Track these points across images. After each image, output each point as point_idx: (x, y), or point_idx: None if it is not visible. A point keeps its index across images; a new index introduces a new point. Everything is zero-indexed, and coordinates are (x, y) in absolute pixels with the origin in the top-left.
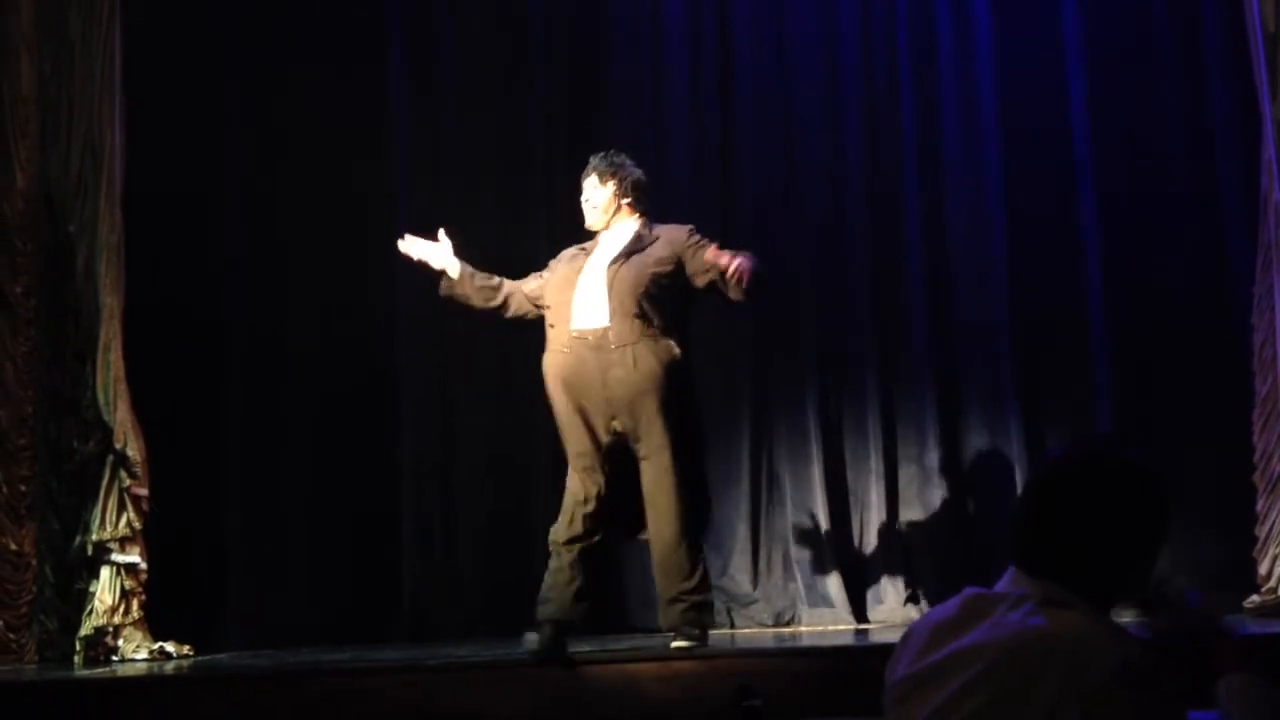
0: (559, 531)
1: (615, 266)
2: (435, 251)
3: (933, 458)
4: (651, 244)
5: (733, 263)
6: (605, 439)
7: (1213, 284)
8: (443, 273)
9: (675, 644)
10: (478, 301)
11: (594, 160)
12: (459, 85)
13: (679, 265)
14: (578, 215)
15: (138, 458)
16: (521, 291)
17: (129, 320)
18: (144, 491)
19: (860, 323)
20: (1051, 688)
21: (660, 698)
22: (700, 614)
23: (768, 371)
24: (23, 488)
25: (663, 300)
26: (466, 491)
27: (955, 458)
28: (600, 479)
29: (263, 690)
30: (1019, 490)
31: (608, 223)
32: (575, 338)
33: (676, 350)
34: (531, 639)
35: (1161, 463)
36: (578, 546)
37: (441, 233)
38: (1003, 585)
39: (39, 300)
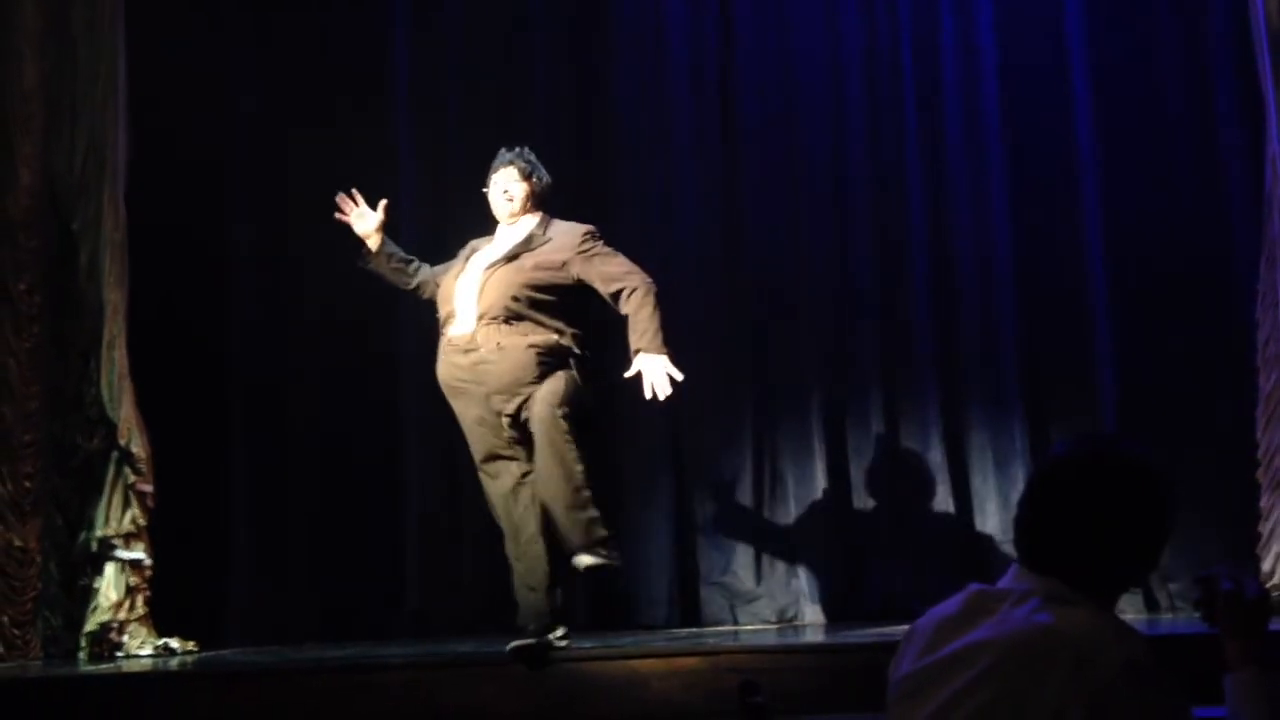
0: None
1: (491, 270)
2: (362, 220)
3: (936, 454)
4: (542, 245)
5: (654, 389)
6: (505, 434)
7: (1217, 280)
8: (362, 243)
9: (585, 562)
10: (391, 279)
11: (512, 155)
12: (462, 88)
13: (565, 269)
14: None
15: (142, 454)
16: (434, 279)
17: (133, 316)
18: (148, 488)
19: (863, 319)
20: (1057, 685)
21: (663, 694)
22: (608, 537)
23: (770, 368)
24: (27, 484)
25: (539, 302)
26: (469, 488)
27: (958, 454)
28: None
29: (266, 686)
30: (1022, 487)
31: (515, 219)
32: (449, 343)
33: (556, 338)
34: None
35: (1165, 459)
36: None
37: (381, 205)
38: (1006, 582)
39: (42, 297)
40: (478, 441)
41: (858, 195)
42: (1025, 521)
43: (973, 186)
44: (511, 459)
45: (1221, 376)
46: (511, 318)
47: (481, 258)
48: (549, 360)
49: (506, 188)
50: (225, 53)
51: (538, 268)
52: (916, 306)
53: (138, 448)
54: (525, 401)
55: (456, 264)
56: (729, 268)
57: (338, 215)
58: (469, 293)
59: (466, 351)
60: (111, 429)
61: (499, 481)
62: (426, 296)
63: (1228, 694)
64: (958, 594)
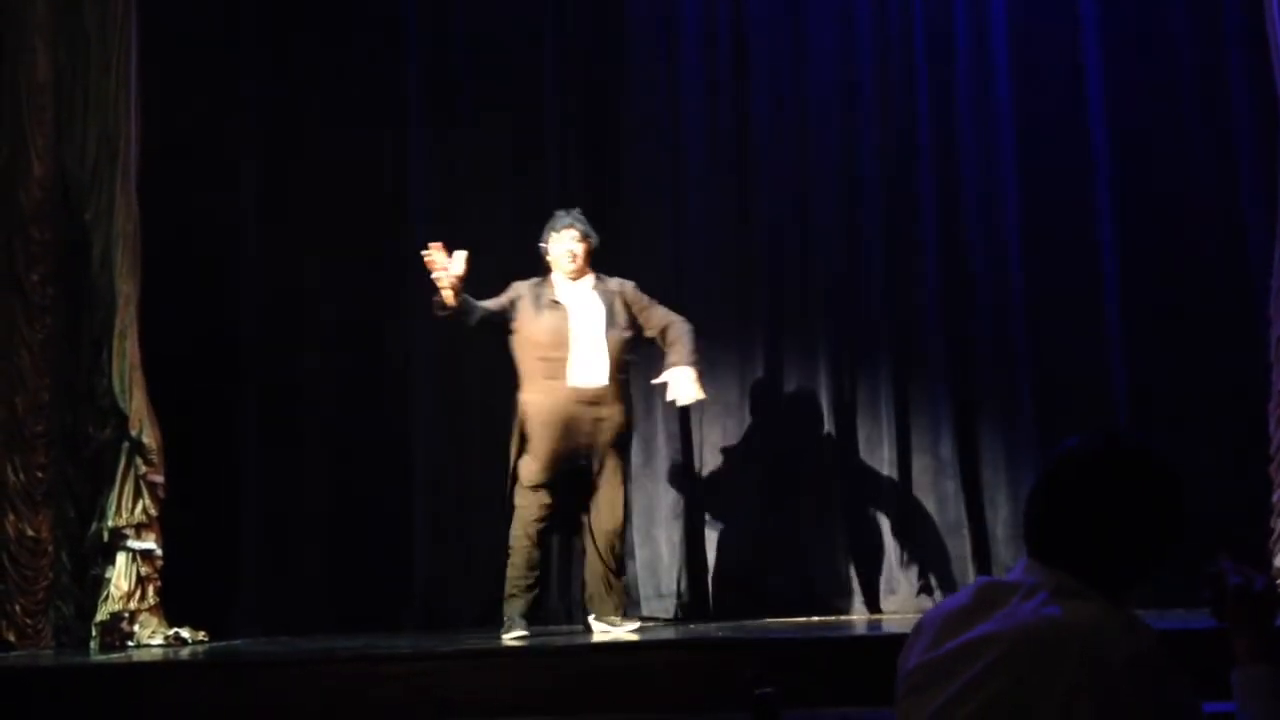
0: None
1: (611, 334)
2: (449, 273)
3: (946, 448)
4: (619, 309)
5: (678, 395)
6: (563, 469)
7: (1231, 276)
8: (440, 296)
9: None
10: (456, 319)
11: (570, 217)
12: (474, 84)
13: (634, 325)
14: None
15: (153, 444)
16: (487, 313)
17: (145, 308)
18: (160, 478)
19: (874, 314)
20: (1066, 678)
21: (672, 685)
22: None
23: (781, 363)
24: (39, 474)
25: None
26: (478, 481)
27: (969, 448)
28: (549, 499)
29: (277, 676)
30: (1032, 481)
31: (579, 276)
32: (573, 390)
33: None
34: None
35: (1178, 455)
36: (537, 551)
37: (461, 256)
38: (1016, 575)
39: (55, 288)
40: (541, 472)
41: (871, 190)
42: (1035, 514)
43: (984, 182)
44: (554, 491)
45: (1235, 372)
46: (621, 373)
47: (584, 317)
48: (630, 422)
49: (570, 248)
50: (240, 47)
51: (628, 328)
52: (928, 301)
53: (149, 438)
54: (603, 456)
55: (528, 306)
56: (741, 268)
57: (433, 270)
58: (595, 351)
59: (593, 404)
60: (123, 420)
61: (537, 503)
62: (474, 328)
63: (1236, 689)
64: (967, 587)
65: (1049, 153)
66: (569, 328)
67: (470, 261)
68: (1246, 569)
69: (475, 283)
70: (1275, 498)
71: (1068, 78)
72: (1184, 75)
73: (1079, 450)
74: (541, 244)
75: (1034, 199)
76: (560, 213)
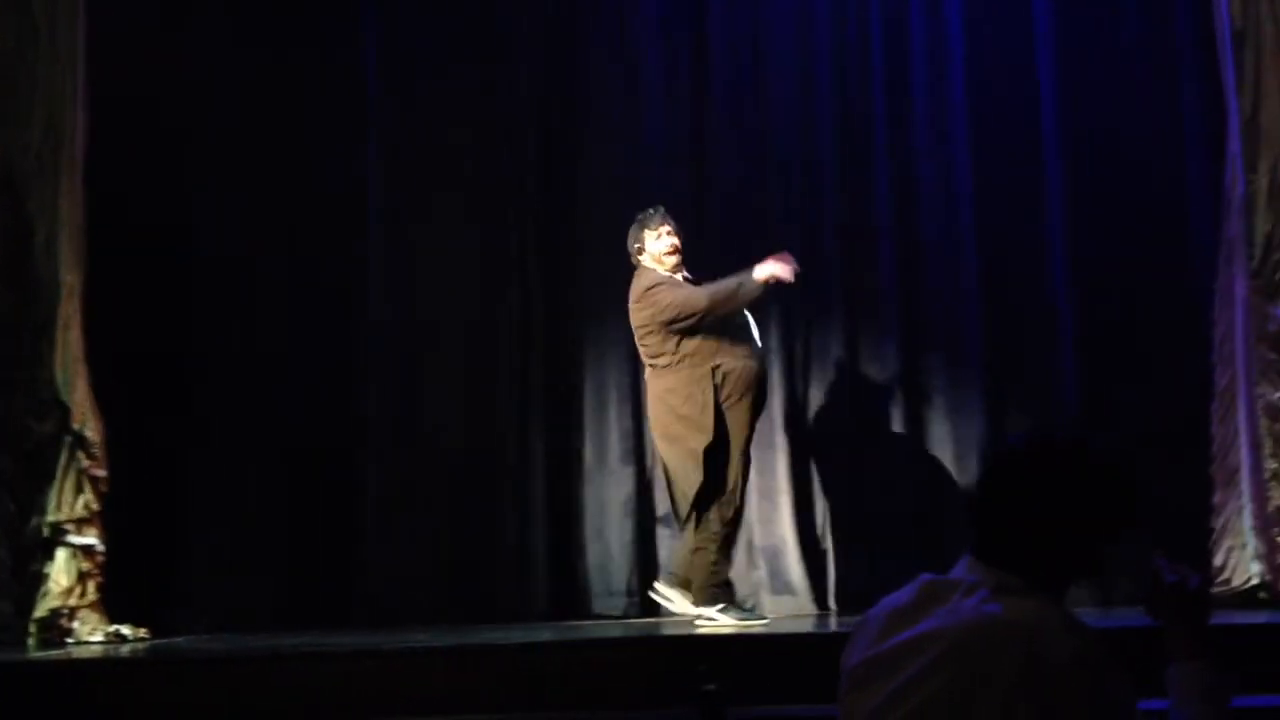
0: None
1: None
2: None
3: (897, 446)
4: None
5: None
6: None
7: (1177, 277)
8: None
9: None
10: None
11: (662, 214)
12: (431, 79)
13: None
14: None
15: (96, 438)
16: None
17: (90, 299)
18: (102, 472)
19: (828, 314)
20: (1007, 675)
21: (619, 683)
22: None
23: None
24: None
25: None
26: (430, 477)
27: (919, 446)
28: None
29: (218, 674)
30: (977, 479)
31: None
32: (752, 353)
33: None
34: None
35: (1121, 453)
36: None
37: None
38: (958, 572)
39: None
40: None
41: (829, 181)
42: (978, 512)
43: (938, 181)
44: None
45: (1179, 371)
46: None
47: None
48: None
49: (676, 242)
50: (191, 34)
51: None
52: (881, 302)
53: (91, 432)
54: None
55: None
56: (695, 262)
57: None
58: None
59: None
60: (65, 412)
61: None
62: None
63: (1170, 684)
64: (910, 584)
65: (1003, 153)
66: None
67: None
68: (1181, 568)
69: (439, 283)
70: (1215, 498)
71: (1022, 79)
72: (1136, 76)
73: (1020, 449)
74: (636, 244)
75: (988, 198)
76: (660, 208)
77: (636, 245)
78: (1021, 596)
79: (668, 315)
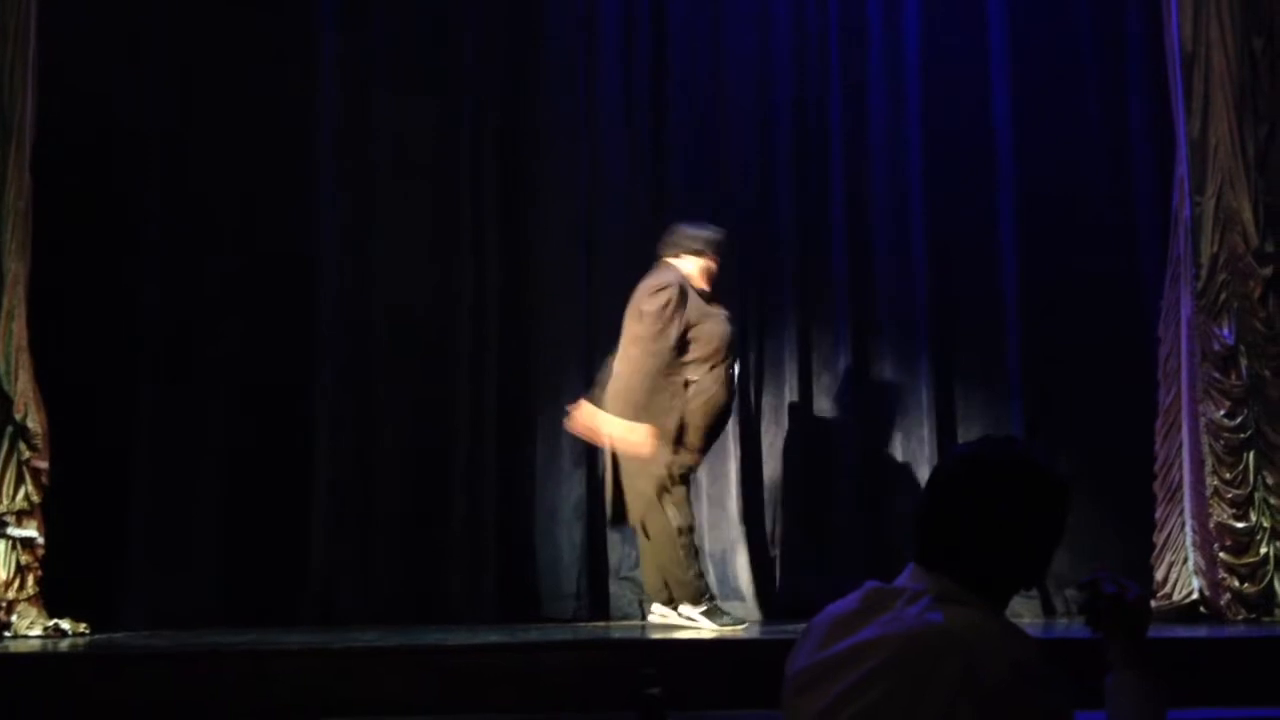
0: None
1: None
2: None
3: (846, 455)
4: None
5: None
6: None
7: (1125, 295)
8: None
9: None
10: None
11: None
12: (389, 73)
13: None
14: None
15: (38, 429)
16: None
17: (35, 288)
18: (44, 464)
19: (781, 320)
20: (947, 683)
21: (562, 685)
22: None
23: None
24: None
25: None
26: (380, 476)
27: (869, 455)
28: None
29: (157, 671)
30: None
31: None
32: (733, 380)
33: None
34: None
35: (1065, 467)
36: None
37: None
38: (902, 580)
39: None
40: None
41: (783, 185)
42: (922, 520)
43: (892, 193)
44: None
45: (1124, 389)
46: None
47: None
48: None
49: (714, 275)
50: (143, 22)
51: None
52: (835, 314)
53: (33, 423)
54: None
55: (713, 312)
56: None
57: None
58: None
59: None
60: (7, 403)
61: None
62: None
63: (1108, 693)
64: (855, 591)
65: (956, 168)
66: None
67: None
68: (1121, 579)
69: (391, 279)
70: (1157, 513)
71: (976, 92)
72: (1088, 97)
73: (964, 457)
74: (689, 244)
75: (938, 205)
76: (720, 239)
77: (689, 245)
78: (963, 605)
79: (640, 329)
